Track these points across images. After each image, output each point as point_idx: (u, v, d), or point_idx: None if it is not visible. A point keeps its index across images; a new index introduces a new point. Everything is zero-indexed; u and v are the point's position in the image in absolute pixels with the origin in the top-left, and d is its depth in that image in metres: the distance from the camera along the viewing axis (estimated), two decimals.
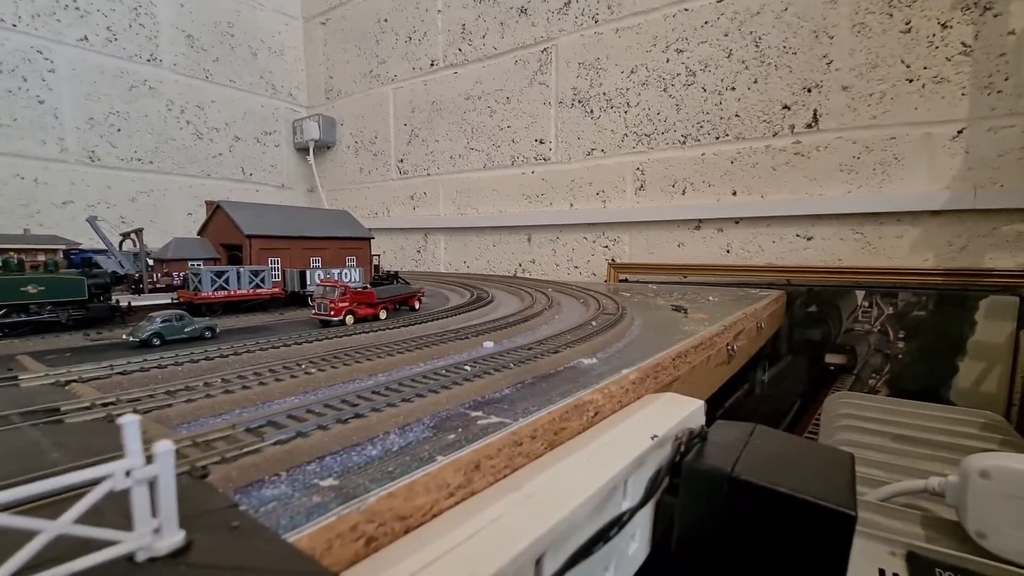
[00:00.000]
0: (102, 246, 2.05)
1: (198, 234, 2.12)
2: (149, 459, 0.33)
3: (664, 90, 2.88)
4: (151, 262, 1.96)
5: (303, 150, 4.81)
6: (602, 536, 0.45)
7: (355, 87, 4.49)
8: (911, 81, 2.25)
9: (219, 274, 1.45)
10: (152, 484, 0.32)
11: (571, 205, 3.29)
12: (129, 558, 0.32)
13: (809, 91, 2.48)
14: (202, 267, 1.43)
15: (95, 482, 0.31)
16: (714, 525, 0.64)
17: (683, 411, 0.77)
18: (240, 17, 4.37)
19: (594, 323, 1.35)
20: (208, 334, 1.24)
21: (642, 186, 2.99)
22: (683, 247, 2.88)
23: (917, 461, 1.47)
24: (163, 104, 3.97)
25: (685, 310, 1.76)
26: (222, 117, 4.34)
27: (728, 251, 2.75)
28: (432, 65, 3.90)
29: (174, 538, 0.33)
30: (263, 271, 1.55)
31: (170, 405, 0.66)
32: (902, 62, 2.26)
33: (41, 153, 3.46)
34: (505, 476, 0.55)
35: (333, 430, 0.58)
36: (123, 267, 1.93)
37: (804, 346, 2.55)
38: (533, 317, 1.50)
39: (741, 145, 2.66)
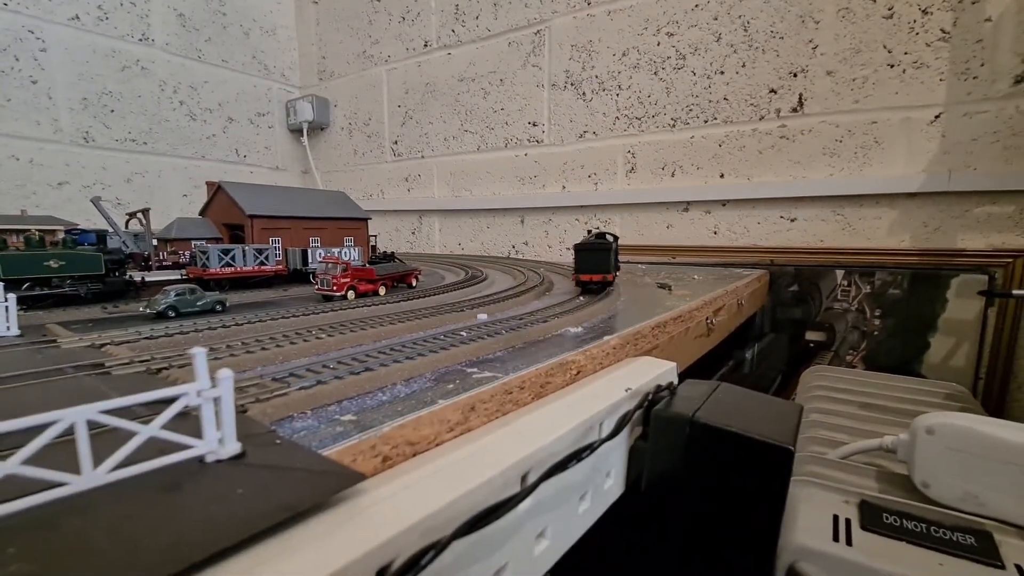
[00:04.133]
0: (100, 226, 2.10)
1: (200, 214, 2.18)
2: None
3: (655, 73, 2.93)
4: (155, 241, 2.02)
5: (297, 131, 4.82)
6: (576, 456, 0.54)
7: (348, 68, 4.49)
8: (892, 67, 2.32)
9: (226, 251, 1.52)
10: (216, 402, 0.41)
11: (563, 187, 3.35)
12: (200, 459, 0.41)
13: (795, 75, 2.54)
14: (209, 245, 1.50)
15: (172, 399, 0.39)
16: (678, 466, 0.74)
17: (657, 370, 0.87)
18: None
19: (582, 298, 1.44)
20: (218, 307, 1.32)
21: (633, 168, 3.06)
22: (672, 228, 2.97)
23: (880, 426, 1.59)
24: (156, 85, 3.97)
25: (669, 287, 1.85)
26: (215, 98, 4.33)
27: (715, 232, 2.84)
28: (426, 46, 3.91)
29: (234, 446, 0.42)
30: (267, 249, 1.62)
31: None
32: (884, 47, 2.33)
33: (35, 134, 3.47)
34: (497, 418, 0.64)
35: (348, 380, 0.66)
36: (127, 246, 1.99)
37: (786, 324, 2.66)
38: (525, 292, 1.59)
39: (729, 128, 2.73)
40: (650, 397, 0.74)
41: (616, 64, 3.05)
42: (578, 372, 0.83)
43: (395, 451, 0.50)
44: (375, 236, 2.64)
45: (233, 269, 1.53)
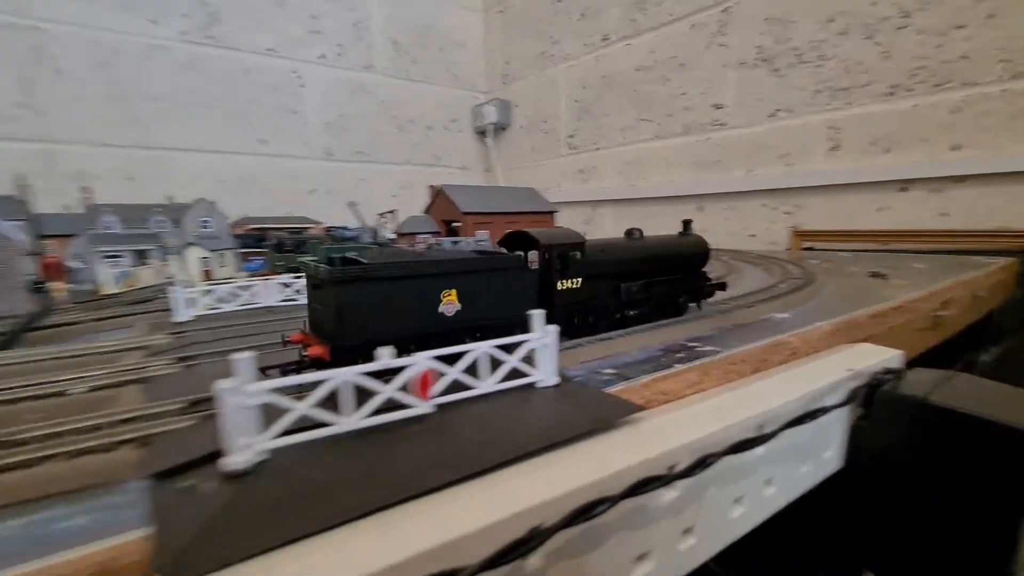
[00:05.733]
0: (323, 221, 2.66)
1: (424, 212, 2.63)
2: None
3: (868, 37, 2.62)
4: (394, 235, 2.51)
5: (482, 133, 5.33)
6: (804, 418, 0.63)
7: (529, 70, 4.81)
8: None
9: (455, 243, 1.85)
10: (546, 347, 0.60)
11: (749, 171, 3.19)
12: (532, 384, 0.61)
13: None
14: (441, 238, 1.84)
15: (522, 343, 0.60)
16: (902, 448, 0.76)
17: (880, 356, 0.88)
18: (433, 17, 4.96)
19: (782, 285, 1.44)
20: None
21: (836, 146, 2.79)
22: (884, 211, 2.64)
23: None
24: (376, 105, 4.75)
25: (884, 276, 1.70)
26: (418, 110, 5.02)
27: (945, 214, 2.46)
28: (604, 40, 4.01)
29: (555, 379, 0.62)
30: (485, 241, 1.93)
31: None
32: None
33: (296, 153, 4.43)
34: (724, 383, 0.75)
35: (596, 345, 0.84)
36: (374, 239, 2.51)
37: None
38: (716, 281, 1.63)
39: (968, 92, 2.33)
40: (875, 379, 0.78)
41: (818, 32, 2.79)
42: (792, 353, 0.89)
43: (653, 397, 0.66)
44: (561, 227, 2.87)
45: None
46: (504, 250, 0.98)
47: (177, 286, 1.17)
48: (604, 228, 4.29)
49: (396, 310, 0.74)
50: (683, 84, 3.49)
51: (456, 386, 0.57)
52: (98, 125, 3.56)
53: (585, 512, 0.42)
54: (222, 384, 0.41)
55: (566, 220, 4.62)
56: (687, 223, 1.28)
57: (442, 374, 0.54)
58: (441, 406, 0.54)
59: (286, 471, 0.43)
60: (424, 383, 0.52)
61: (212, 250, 2.20)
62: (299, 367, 0.73)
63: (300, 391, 0.46)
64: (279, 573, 0.34)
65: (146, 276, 1.99)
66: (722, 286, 1.25)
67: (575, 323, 0.99)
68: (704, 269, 1.25)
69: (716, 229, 3.44)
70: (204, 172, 3.91)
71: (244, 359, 0.42)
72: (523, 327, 0.82)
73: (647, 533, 0.53)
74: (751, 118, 3.14)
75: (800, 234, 2.93)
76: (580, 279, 0.99)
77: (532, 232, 0.97)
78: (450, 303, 0.78)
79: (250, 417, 0.43)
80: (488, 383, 0.58)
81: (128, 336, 1.08)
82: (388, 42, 4.71)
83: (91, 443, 0.50)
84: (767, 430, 0.62)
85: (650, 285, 1.10)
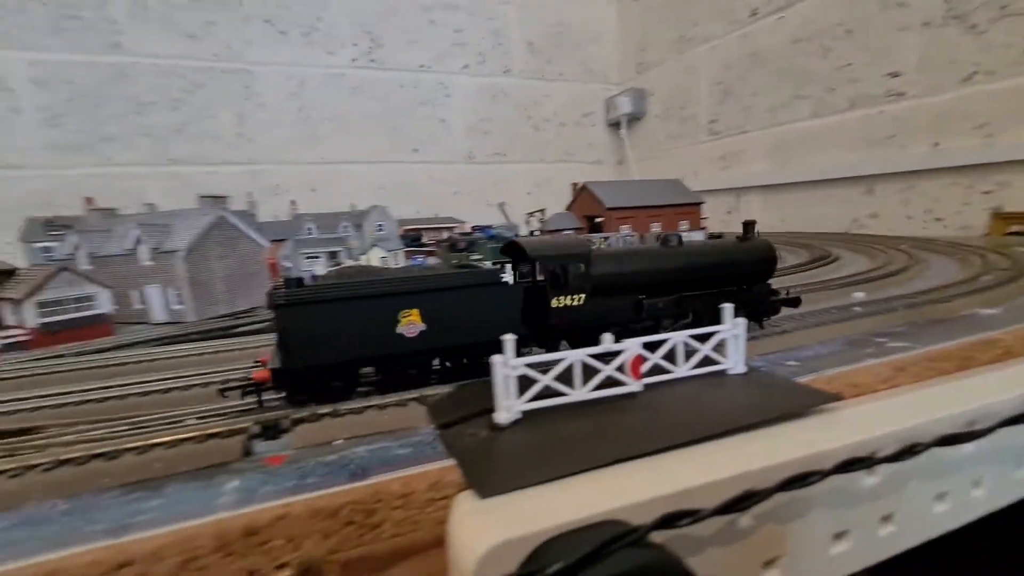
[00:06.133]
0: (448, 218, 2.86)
1: (566, 209, 2.75)
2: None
3: None
4: (540, 232, 2.66)
5: (615, 125, 5.31)
6: (1015, 420, 0.60)
7: (665, 56, 4.68)
8: None
9: (605, 238, 1.93)
10: (736, 337, 0.66)
11: (935, 145, 2.79)
12: (723, 372, 0.68)
13: None
14: (588, 234, 1.93)
15: (714, 334, 0.67)
16: None
17: None
18: (567, 14, 5.05)
19: (986, 278, 1.29)
20: None
21: None
22: None
23: None
24: (512, 107, 4.99)
25: None
26: (552, 108, 5.16)
27: None
28: (753, 15, 3.76)
29: (743, 367, 0.67)
30: (634, 236, 1.98)
31: None
32: None
33: (441, 158, 4.83)
34: (923, 380, 0.74)
35: (772, 338, 0.87)
36: (518, 236, 2.68)
37: None
38: (899, 272, 1.50)
39: None
40: None
41: None
42: (1006, 351, 0.82)
43: (844, 389, 0.68)
44: (706, 218, 2.79)
45: None
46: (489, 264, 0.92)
47: None
48: (750, 217, 4.04)
49: (345, 333, 0.72)
50: (848, 54, 3.15)
51: (656, 370, 0.65)
52: (289, 146, 4.25)
53: (798, 480, 0.48)
54: (495, 358, 0.55)
55: (705, 209, 4.43)
56: (749, 224, 1.11)
57: (645, 359, 0.63)
58: (647, 386, 0.63)
59: (537, 427, 0.56)
60: (636, 365, 0.61)
61: (388, 250, 2.55)
62: (256, 389, 0.71)
63: (543, 367, 0.58)
64: (553, 499, 0.46)
65: None
66: (794, 301, 1.03)
67: (577, 346, 0.85)
68: (769, 281, 1.05)
69: (891, 213, 3.06)
70: (369, 181, 4.46)
71: (510, 339, 0.55)
72: (522, 344, 0.77)
73: (847, 513, 0.57)
74: (938, 85, 2.73)
75: (1003, 217, 2.50)
76: (583, 295, 0.88)
77: (522, 242, 0.90)
78: (411, 324, 0.74)
79: (512, 385, 0.56)
80: (684, 368, 0.66)
81: None
82: (524, 45, 4.91)
83: (389, 402, 0.69)
84: (979, 427, 0.61)
85: (683, 300, 0.96)
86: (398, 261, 2.58)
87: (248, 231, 1.66)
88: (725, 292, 1.00)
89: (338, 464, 0.55)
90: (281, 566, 0.45)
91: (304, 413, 0.66)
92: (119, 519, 0.46)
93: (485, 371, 0.64)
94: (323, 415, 0.66)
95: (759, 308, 1.02)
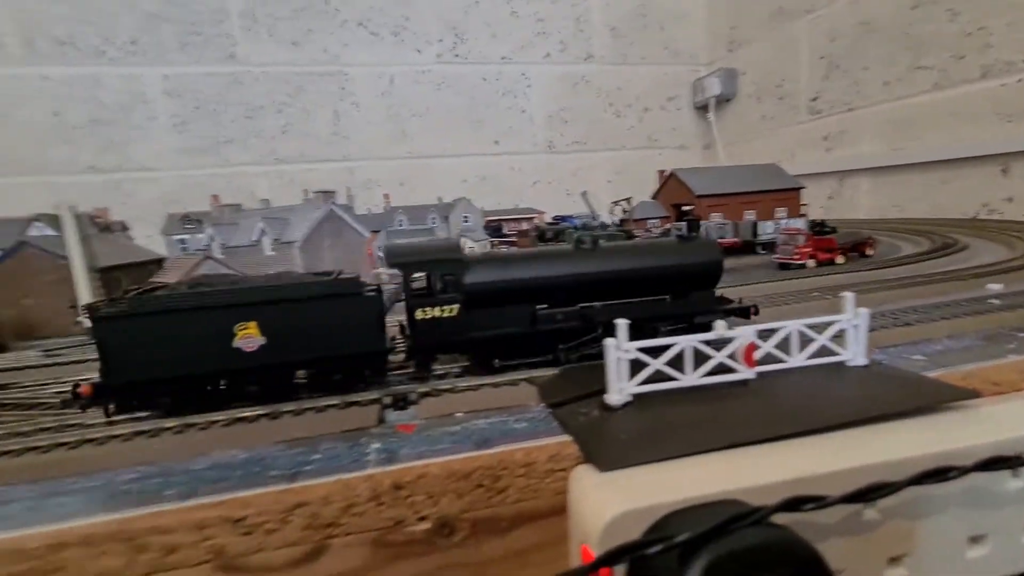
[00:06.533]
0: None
1: (652, 198, 2.69)
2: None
3: None
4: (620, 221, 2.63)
5: (702, 108, 5.07)
6: None
7: (760, 32, 4.38)
8: None
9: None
10: (856, 328, 0.64)
11: None
12: (841, 364, 0.65)
13: None
14: (680, 223, 1.88)
15: (832, 323, 0.65)
16: None
17: None
18: None
19: None
20: None
21: None
22: None
23: None
24: (593, 93, 4.91)
25: None
26: (634, 93, 5.02)
27: None
28: None
29: (864, 359, 0.65)
30: (726, 224, 1.90)
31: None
32: None
33: (522, 149, 4.87)
34: None
35: (892, 331, 0.82)
36: (604, 227, 2.67)
37: None
38: None
39: None
40: None
41: None
42: None
43: (981, 387, 0.63)
44: (806, 205, 2.61)
45: None
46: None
47: None
48: (856, 204, 3.71)
49: (173, 348, 0.68)
50: (979, 16, 2.78)
51: (770, 358, 0.64)
52: (380, 142, 4.49)
53: (934, 476, 0.46)
54: (609, 342, 0.57)
55: (805, 195, 4.13)
56: (692, 223, 0.96)
57: (758, 346, 0.63)
58: (760, 374, 0.63)
59: (650, 410, 0.58)
60: (749, 353, 0.61)
61: (475, 241, 2.64)
62: (77, 400, 0.69)
63: (655, 352, 0.60)
64: (671, 476, 0.48)
65: None
66: (745, 311, 0.91)
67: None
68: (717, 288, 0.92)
69: None
70: (453, 174, 4.60)
71: (623, 324, 0.57)
72: (376, 360, 0.74)
73: (987, 516, 0.53)
74: None
75: None
76: (456, 305, 0.79)
77: (390, 247, 0.83)
78: (248, 337, 0.69)
79: (624, 368, 0.58)
80: (798, 358, 0.64)
81: None
82: (607, 30, 4.81)
83: (494, 380, 0.74)
84: None
85: (589, 312, 0.84)
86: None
87: (352, 223, 1.80)
88: (651, 302, 0.90)
89: (462, 434, 0.60)
90: (422, 518, 0.51)
91: (427, 388, 0.72)
92: (290, 468, 0.54)
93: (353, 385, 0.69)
94: (444, 391, 0.72)
95: (698, 320, 0.89)
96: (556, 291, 0.85)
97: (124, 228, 2.83)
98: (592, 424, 0.57)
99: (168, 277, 1.40)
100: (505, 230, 3.78)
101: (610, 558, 0.40)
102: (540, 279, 0.83)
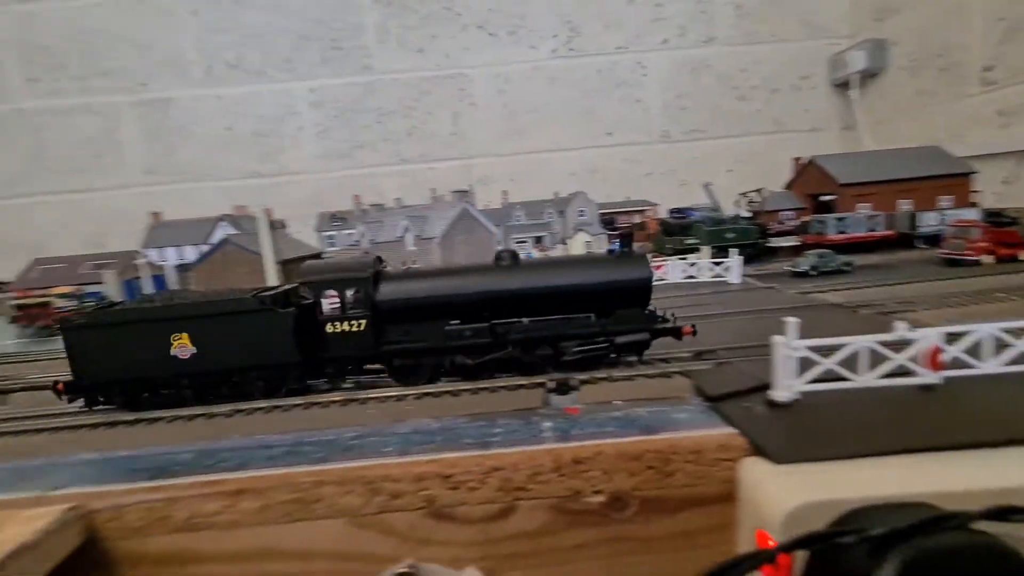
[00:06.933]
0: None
1: (785, 188, 2.51)
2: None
3: None
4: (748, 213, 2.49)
5: (841, 85, 4.57)
6: None
7: None
8: None
9: (840, 219, 1.74)
10: None
11: None
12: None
13: None
14: (825, 215, 1.75)
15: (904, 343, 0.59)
16: None
17: None
18: None
19: None
20: (846, 268, 1.55)
21: None
22: None
23: None
24: (715, 78, 4.65)
25: None
26: (761, 74, 4.66)
27: None
28: None
29: None
30: (878, 216, 1.74)
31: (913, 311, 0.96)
32: None
33: (636, 139, 4.75)
34: None
35: None
36: (736, 220, 2.54)
37: None
38: None
39: None
40: None
41: None
42: None
43: None
44: (978, 192, 2.27)
45: (846, 236, 1.74)
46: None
47: None
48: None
49: (123, 354, 0.81)
50: None
51: (958, 363, 0.61)
52: (494, 140, 4.66)
53: None
54: (777, 338, 0.58)
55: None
56: (625, 236, 0.94)
57: (943, 350, 0.60)
58: (947, 379, 0.60)
59: (822, 408, 0.58)
60: (934, 356, 0.58)
61: (592, 235, 2.67)
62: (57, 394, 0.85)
63: (826, 351, 0.59)
64: (854, 474, 0.49)
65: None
66: (675, 332, 0.85)
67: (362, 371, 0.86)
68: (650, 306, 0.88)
69: None
70: (562, 168, 4.64)
71: (793, 322, 0.58)
72: (290, 370, 0.83)
73: None
74: None
75: None
76: (364, 320, 0.84)
77: (305, 266, 0.87)
78: (182, 347, 0.81)
79: (792, 365, 0.59)
80: (992, 363, 0.60)
81: None
82: (732, 8, 4.52)
83: (649, 372, 0.77)
84: None
85: (496, 328, 0.85)
86: (601, 246, 2.68)
87: (483, 220, 1.92)
88: (569, 320, 0.88)
89: (625, 420, 0.65)
90: (597, 491, 0.56)
91: (586, 376, 0.78)
92: (479, 437, 0.63)
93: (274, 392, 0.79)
94: (601, 379, 0.77)
95: (632, 338, 0.85)
96: (470, 308, 0.87)
97: (283, 226, 3.27)
98: (760, 418, 0.58)
99: None
100: (618, 223, 3.75)
101: (796, 544, 0.42)
102: (451, 296, 0.87)
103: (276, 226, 2.99)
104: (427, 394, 0.77)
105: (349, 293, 0.83)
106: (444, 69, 4.57)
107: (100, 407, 0.88)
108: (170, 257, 3.00)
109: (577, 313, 0.88)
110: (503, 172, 4.69)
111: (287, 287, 0.91)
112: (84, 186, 4.52)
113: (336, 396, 0.79)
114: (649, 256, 0.97)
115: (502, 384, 0.77)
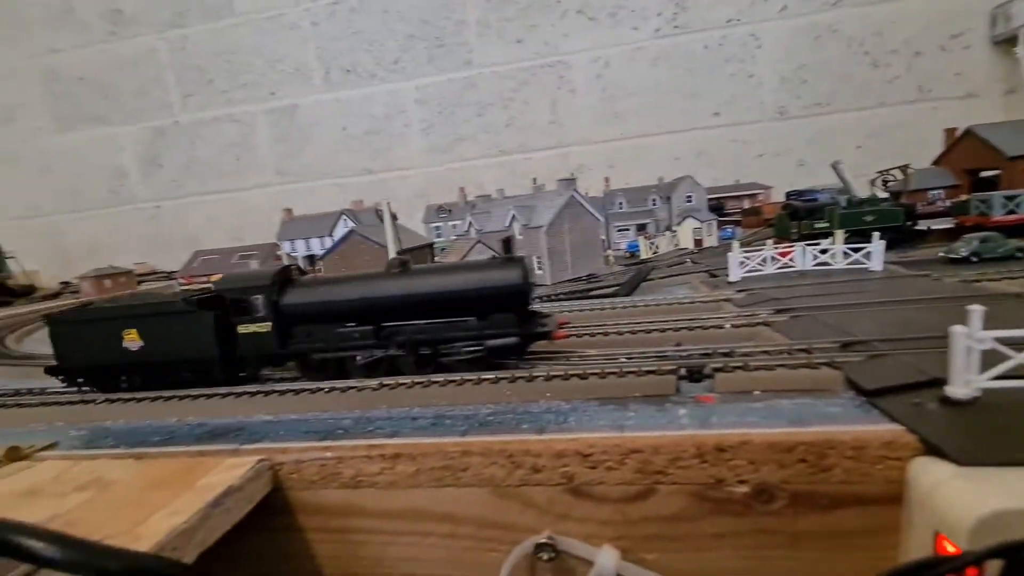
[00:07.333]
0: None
1: (934, 163, 2.21)
2: None
3: None
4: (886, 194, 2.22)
5: (1006, 42, 3.89)
6: None
7: None
8: None
9: (1010, 198, 1.49)
10: None
11: None
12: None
13: None
14: (991, 193, 1.52)
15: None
16: None
17: None
18: None
19: None
20: (1020, 254, 1.33)
21: None
22: None
23: None
24: (843, 44, 4.18)
25: None
26: (901, 36, 4.11)
27: None
28: None
29: None
30: None
31: None
32: None
33: (746, 118, 4.43)
34: None
35: None
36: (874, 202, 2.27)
37: None
38: None
39: None
40: None
41: None
42: None
43: None
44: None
45: (1017, 216, 1.49)
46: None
47: (733, 251, 1.43)
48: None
49: (90, 345, 0.99)
50: None
51: None
52: (592, 126, 4.58)
53: None
54: (957, 329, 0.52)
55: None
56: (506, 242, 1.01)
57: None
58: None
59: (1006, 409, 0.52)
60: None
61: (701, 221, 2.54)
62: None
63: (1018, 344, 0.52)
64: None
65: (662, 244, 2.50)
66: (546, 335, 0.90)
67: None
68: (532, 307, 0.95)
69: None
70: (664, 152, 4.45)
71: (977, 311, 0.52)
72: (211, 365, 0.95)
73: None
74: None
75: None
76: (269, 323, 0.95)
77: (220, 280, 0.96)
78: (132, 340, 0.97)
79: (975, 359, 0.52)
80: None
81: (693, 292, 1.43)
82: None
83: (792, 362, 0.73)
84: None
85: (381, 330, 0.93)
86: (711, 232, 2.55)
87: (590, 208, 1.91)
88: (449, 323, 0.94)
89: (768, 411, 0.62)
90: (742, 481, 0.55)
91: (719, 364, 0.75)
92: (614, 420, 0.64)
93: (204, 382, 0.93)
94: (736, 367, 0.74)
95: (507, 339, 0.90)
96: (360, 312, 0.95)
97: (395, 218, 3.51)
98: (935, 416, 0.53)
99: (449, 258, 1.71)
100: (727, 208, 3.52)
101: (993, 554, 0.38)
102: (342, 301, 0.96)
103: (393, 219, 3.21)
104: (555, 376, 0.79)
105: (256, 299, 0.97)
106: (543, 58, 4.57)
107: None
108: (299, 249, 3.34)
109: (459, 317, 0.95)
110: (601, 159, 4.62)
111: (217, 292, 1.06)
112: (228, 187, 5.15)
113: (470, 376, 0.84)
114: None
115: (631, 370, 0.77)
